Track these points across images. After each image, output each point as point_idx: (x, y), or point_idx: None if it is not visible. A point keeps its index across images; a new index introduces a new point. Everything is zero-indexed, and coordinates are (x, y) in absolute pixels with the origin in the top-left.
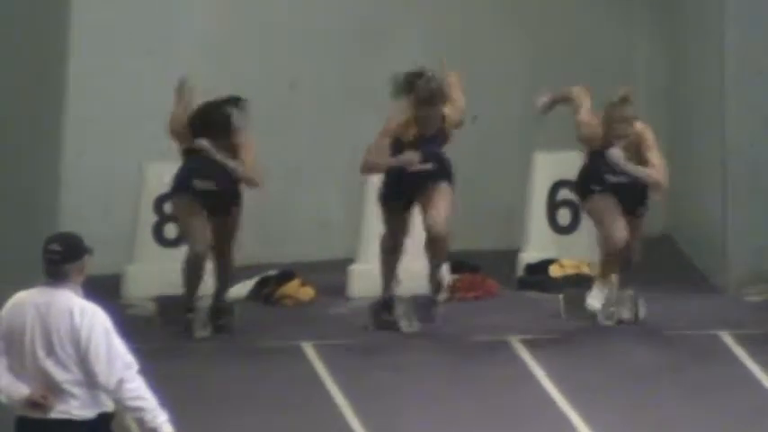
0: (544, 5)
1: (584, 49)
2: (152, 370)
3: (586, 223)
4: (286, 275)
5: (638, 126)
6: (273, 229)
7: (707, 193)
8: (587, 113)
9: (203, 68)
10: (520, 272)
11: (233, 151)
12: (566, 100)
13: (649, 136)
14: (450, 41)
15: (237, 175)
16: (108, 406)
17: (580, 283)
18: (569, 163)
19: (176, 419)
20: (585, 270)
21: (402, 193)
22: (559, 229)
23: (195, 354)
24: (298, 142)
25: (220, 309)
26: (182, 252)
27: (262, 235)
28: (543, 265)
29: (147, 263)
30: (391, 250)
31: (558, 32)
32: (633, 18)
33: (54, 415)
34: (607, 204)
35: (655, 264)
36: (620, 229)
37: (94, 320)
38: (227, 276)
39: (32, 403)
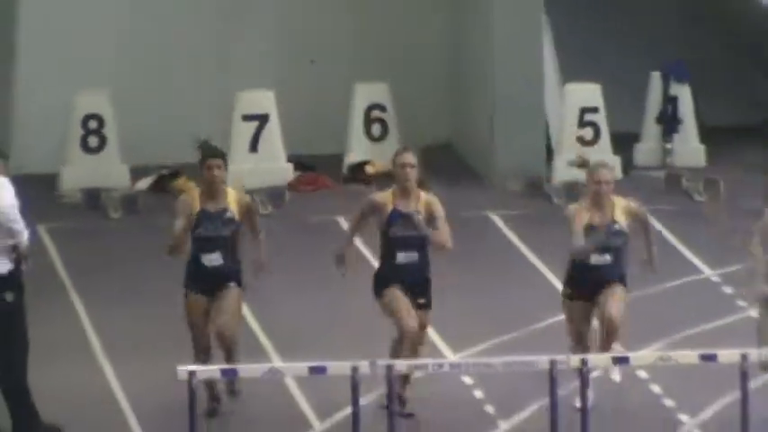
0: None
1: (391, 14)
2: (77, 242)
3: (393, 134)
4: (176, 172)
5: (633, 206)
6: (171, 139)
7: (479, 110)
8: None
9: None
10: (344, 170)
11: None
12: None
13: (643, 215)
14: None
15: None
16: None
17: (391, 177)
18: (381, 90)
19: (90, 278)
20: (381, 165)
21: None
22: (373, 139)
23: (110, 232)
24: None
25: (214, 395)
26: (101, 157)
27: (163, 143)
28: (361, 165)
29: (76, 165)
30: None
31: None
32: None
33: None
34: (575, 309)
35: (440, 166)
36: (584, 335)
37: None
38: (230, 357)
39: None
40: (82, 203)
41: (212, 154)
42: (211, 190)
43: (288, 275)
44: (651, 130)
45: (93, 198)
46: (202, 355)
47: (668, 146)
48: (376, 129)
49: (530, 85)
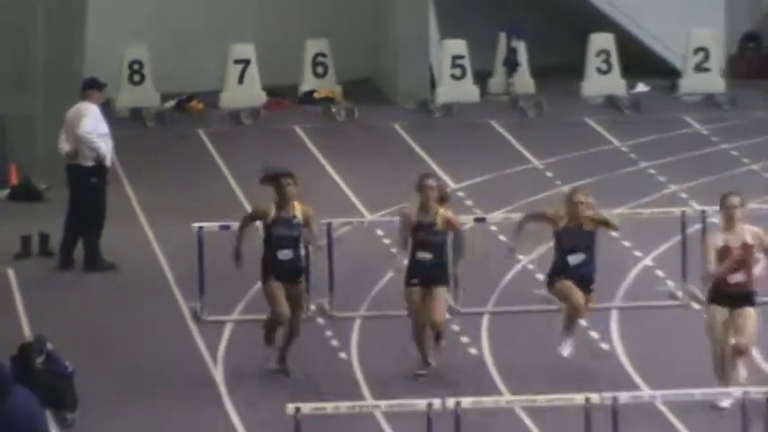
0: None
1: None
2: (126, 143)
3: (331, 72)
4: (190, 97)
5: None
6: (187, 75)
7: (388, 56)
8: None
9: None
10: (300, 95)
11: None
12: (540, 220)
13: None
14: None
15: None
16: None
17: (330, 100)
18: (323, 44)
19: (135, 165)
20: (331, 95)
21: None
22: (318, 76)
23: (147, 136)
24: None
25: (283, 358)
26: (142, 88)
27: (182, 78)
28: (311, 92)
29: (125, 93)
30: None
31: None
32: None
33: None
34: (569, 285)
35: (362, 92)
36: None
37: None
38: (292, 337)
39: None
40: (129, 117)
41: (285, 174)
42: (284, 201)
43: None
44: (499, 69)
45: (136, 114)
46: (279, 321)
47: (510, 80)
48: (320, 69)
49: (419, 39)
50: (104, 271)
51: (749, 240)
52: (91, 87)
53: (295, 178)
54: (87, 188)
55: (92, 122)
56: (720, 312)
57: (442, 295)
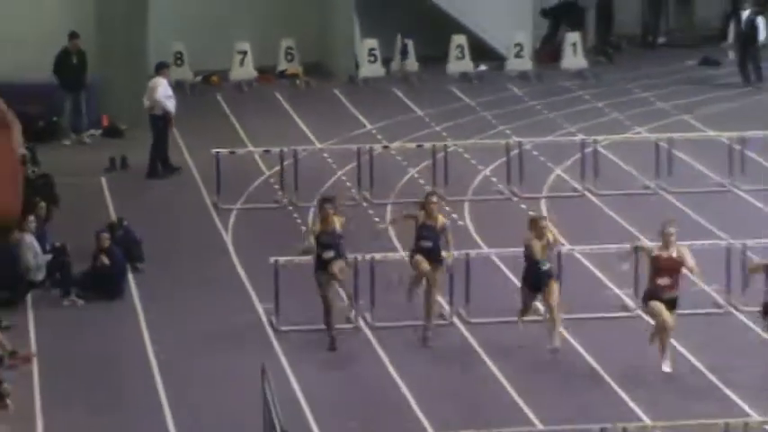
0: None
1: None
2: (176, 108)
3: (296, 59)
4: (211, 74)
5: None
6: (210, 60)
7: (329, 48)
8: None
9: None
10: (277, 73)
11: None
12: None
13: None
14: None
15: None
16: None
17: (296, 76)
18: (291, 41)
19: (178, 117)
20: (296, 73)
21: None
22: (288, 61)
23: (186, 99)
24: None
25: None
26: (182, 68)
27: (207, 61)
28: (284, 71)
29: (172, 72)
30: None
31: None
32: None
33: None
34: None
35: (316, 72)
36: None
37: (161, 80)
38: (346, 289)
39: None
40: (174, 87)
41: (327, 200)
42: (327, 220)
43: (264, 119)
44: (397, 57)
45: (179, 85)
46: (329, 305)
47: (404, 63)
48: (289, 56)
49: (349, 38)
50: (172, 173)
51: (674, 255)
52: (162, 67)
53: (335, 202)
54: (157, 130)
55: (163, 91)
56: (659, 305)
57: (440, 269)
